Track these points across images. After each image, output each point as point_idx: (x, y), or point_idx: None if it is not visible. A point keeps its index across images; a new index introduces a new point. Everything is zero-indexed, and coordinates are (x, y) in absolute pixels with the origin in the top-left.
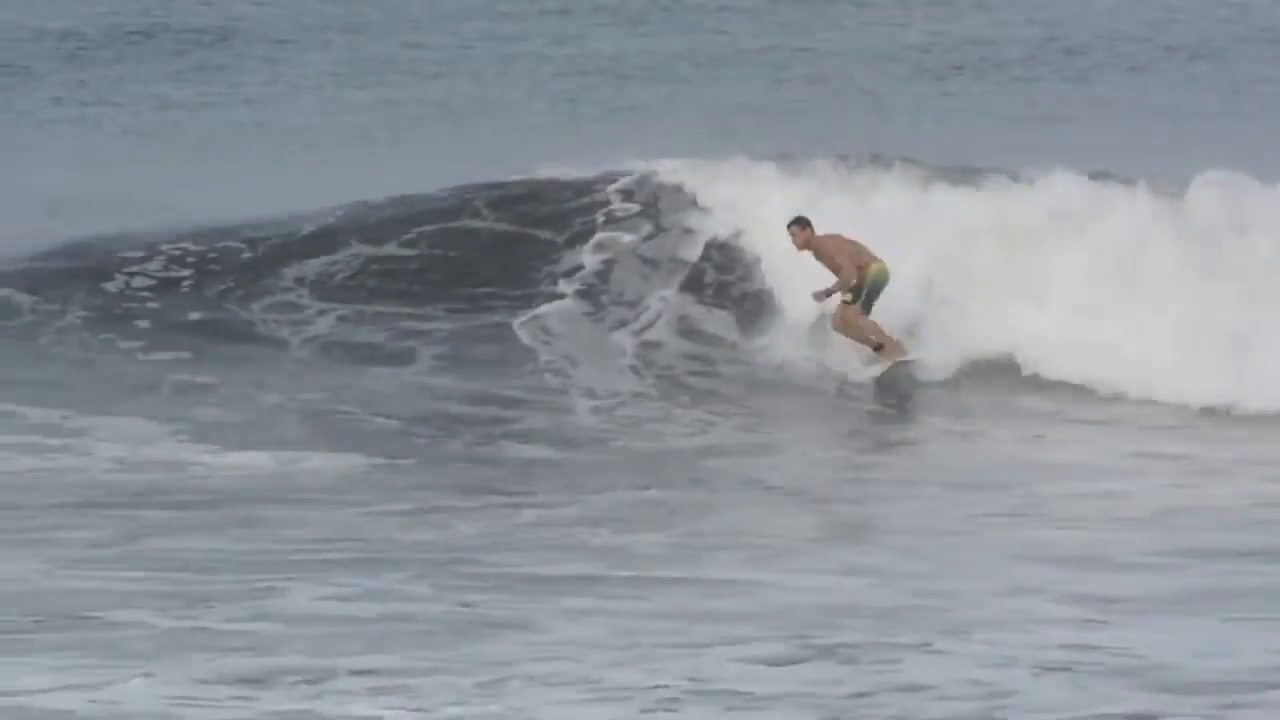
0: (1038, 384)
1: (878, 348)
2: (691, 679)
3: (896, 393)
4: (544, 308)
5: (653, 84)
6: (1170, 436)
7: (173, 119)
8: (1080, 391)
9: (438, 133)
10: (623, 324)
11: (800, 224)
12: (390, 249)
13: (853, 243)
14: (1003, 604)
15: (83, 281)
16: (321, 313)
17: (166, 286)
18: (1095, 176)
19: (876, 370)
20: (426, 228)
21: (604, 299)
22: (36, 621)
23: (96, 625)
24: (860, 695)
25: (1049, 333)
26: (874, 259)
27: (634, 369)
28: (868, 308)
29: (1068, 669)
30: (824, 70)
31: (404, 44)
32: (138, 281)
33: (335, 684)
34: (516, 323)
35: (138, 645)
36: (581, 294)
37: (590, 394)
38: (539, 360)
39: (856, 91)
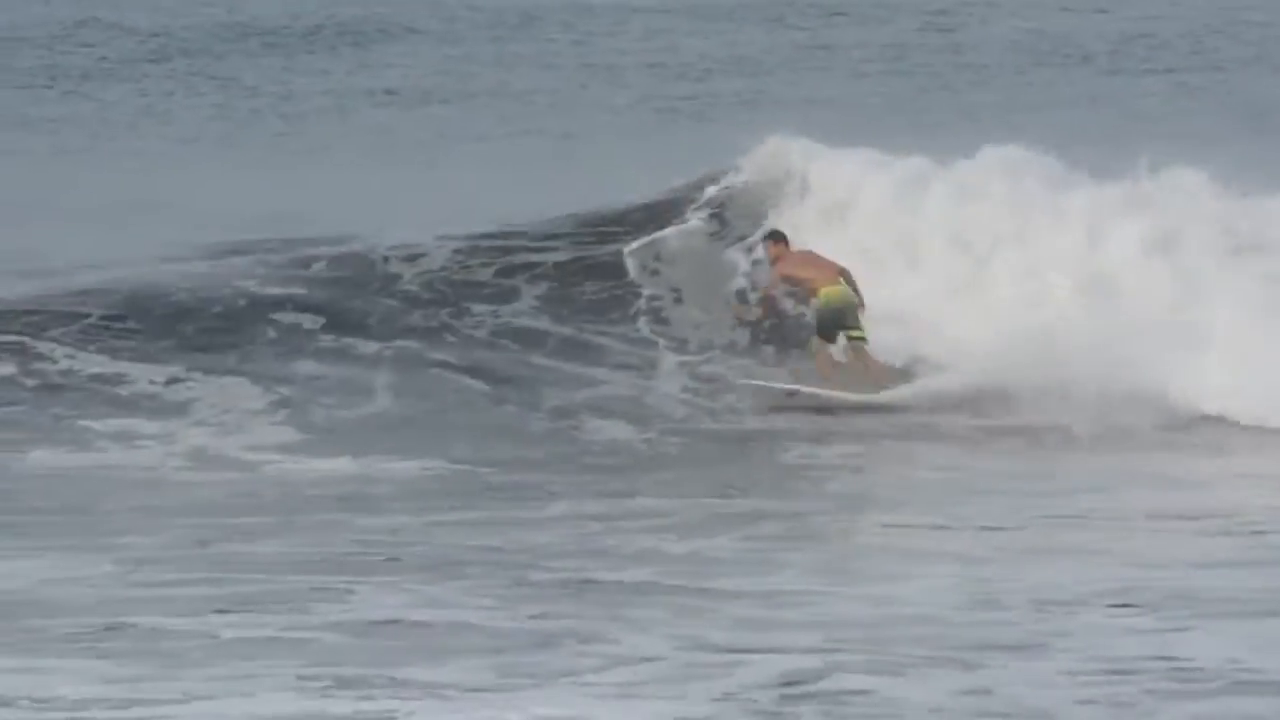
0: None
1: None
2: (749, 695)
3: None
4: (663, 231)
5: (734, 78)
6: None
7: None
8: (1189, 414)
9: (521, 130)
10: (740, 239)
11: (773, 238)
12: (524, 217)
13: (815, 264)
14: (1065, 614)
15: (206, 246)
16: (439, 245)
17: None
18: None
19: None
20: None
21: (729, 215)
22: (95, 629)
23: (159, 635)
24: (919, 709)
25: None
26: (828, 283)
27: (739, 295)
28: (829, 335)
29: (1129, 677)
30: (909, 66)
31: (491, 38)
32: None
33: (395, 694)
34: (627, 250)
35: (196, 654)
36: (710, 216)
37: (680, 346)
38: (641, 298)
39: (939, 88)
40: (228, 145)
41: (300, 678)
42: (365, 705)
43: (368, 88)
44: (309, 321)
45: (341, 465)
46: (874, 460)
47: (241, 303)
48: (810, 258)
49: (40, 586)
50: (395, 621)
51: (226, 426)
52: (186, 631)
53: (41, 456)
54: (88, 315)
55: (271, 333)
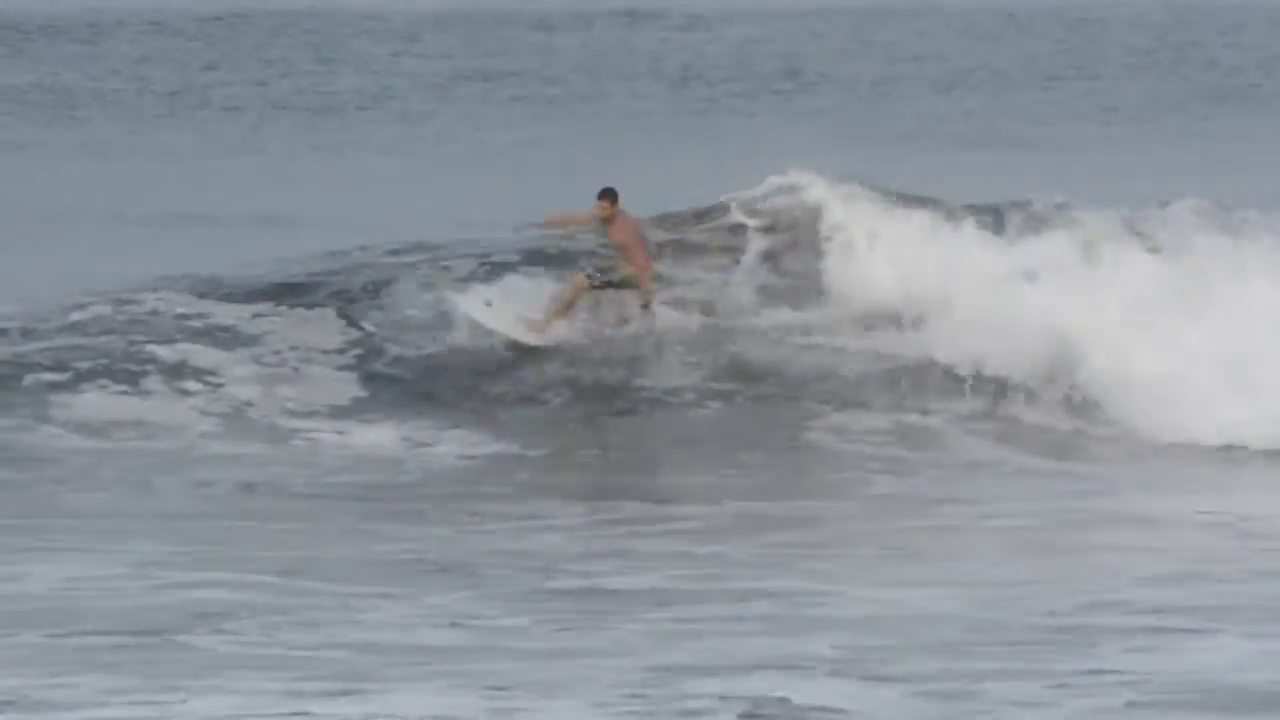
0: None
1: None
2: (751, 703)
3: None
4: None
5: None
6: None
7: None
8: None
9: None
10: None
11: (609, 197)
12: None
13: (641, 238)
14: (1078, 619)
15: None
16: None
17: None
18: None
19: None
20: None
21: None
22: (103, 636)
23: (165, 646)
24: None
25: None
26: (640, 270)
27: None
28: (602, 287)
29: (1128, 686)
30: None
31: (532, 44)
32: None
33: (400, 703)
34: (726, 196)
35: (196, 668)
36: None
37: (768, 231)
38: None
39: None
40: (264, 139)
41: (302, 689)
42: (369, 714)
43: (406, 81)
44: (420, 255)
45: (380, 439)
46: (899, 449)
47: (348, 256)
48: (640, 233)
49: (52, 592)
50: (404, 630)
51: (283, 373)
52: (189, 644)
53: (90, 401)
54: (199, 275)
55: (355, 273)
